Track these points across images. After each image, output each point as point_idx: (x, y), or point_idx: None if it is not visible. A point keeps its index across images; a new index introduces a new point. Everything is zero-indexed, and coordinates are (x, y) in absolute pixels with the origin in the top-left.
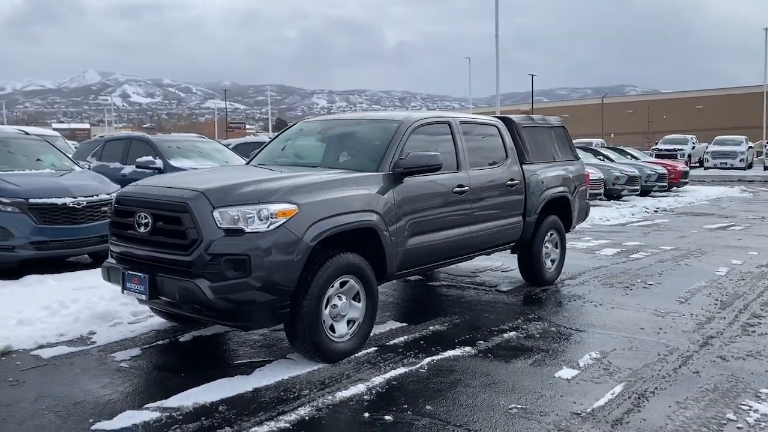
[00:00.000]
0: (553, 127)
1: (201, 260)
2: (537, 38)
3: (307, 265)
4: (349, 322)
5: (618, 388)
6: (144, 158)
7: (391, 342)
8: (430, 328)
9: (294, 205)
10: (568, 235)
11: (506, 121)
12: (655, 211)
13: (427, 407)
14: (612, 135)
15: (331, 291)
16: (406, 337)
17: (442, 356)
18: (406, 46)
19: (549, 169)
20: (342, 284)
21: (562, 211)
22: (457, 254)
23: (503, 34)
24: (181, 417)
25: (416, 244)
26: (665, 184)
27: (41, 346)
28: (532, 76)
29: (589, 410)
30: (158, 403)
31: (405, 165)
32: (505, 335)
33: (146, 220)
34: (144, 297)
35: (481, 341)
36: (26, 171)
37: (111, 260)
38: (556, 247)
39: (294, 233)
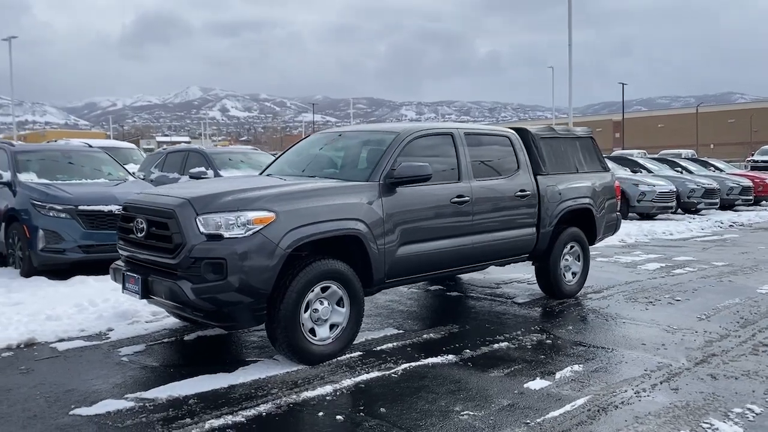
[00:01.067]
0: (579, 138)
1: (185, 263)
2: (636, 45)
3: (285, 270)
4: (332, 326)
5: (581, 401)
6: (196, 169)
7: (379, 348)
8: (425, 336)
9: (272, 213)
10: (613, 249)
11: (522, 132)
12: (730, 225)
13: (381, 410)
14: (712, 146)
15: (311, 295)
16: (396, 343)
17: (421, 363)
18: (497, 56)
19: (569, 181)
20: (324, 289)
21: (585, 224)
22: (458, 264)
23: (600, 43)
24: (152, 407)
25: (408, 253)
26: (750, 197)
27: (61, 340)
28: (623, 84)
29: (539, 420)
30: (137, 394)
31: (395, 175)
32: (496, 345)
33: (142, 225)
34: (138, 296)
35: (468, 350)
36: (82, 180)
37: (119, 263)
38: (578, 260)
39: (270, 239)
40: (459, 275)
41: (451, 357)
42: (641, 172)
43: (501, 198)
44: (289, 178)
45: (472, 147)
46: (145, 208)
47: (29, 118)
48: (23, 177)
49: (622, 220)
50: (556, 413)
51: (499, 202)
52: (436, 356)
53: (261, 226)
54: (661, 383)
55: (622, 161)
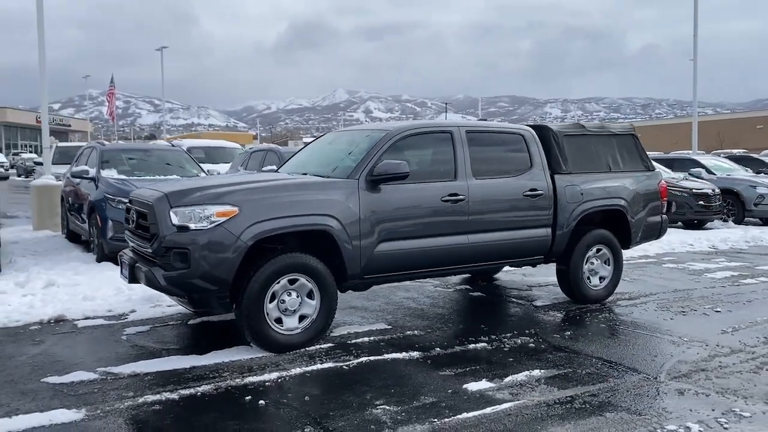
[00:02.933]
0: (615, 135)
1: (159, 251)
2: None
3: (248, 262)
4: (301, 317)
5: (505, 406)
6: (269, 167)
7: (354, 341)
8: (408, 332)
9: (235, 208)
10: (695, 254)
11: (543, 130)
12: None
13: (305, 398)
14: None
15: (277, 287)
16: (375, 338)
17: (381, 357)
18: (649, 50)
19: (597, 180)
20: (292, 281)
21: (617, 226)
22: (453, 263)
23: None
24: (111, 380)
25: (389, 250)
26: None
27: (87, 318)
28: None
29: (446, 420)
30: (107, 368)
31: (375, 173)
32: (472, 346)
33: (134, 217)
34: (127, 281)
35: (439, 348)
36: (156, 177)
37: (126, 251)
38: (607, 264)
39: (231, 232)
40: (495, 275)
41: (415, 354)
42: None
43: (505, 197)
44: (292, 175)
45: (474, 145)
46: (136, 201)
47: (195, 121)
48: (105, 173)
49: (739, 225)
50: (469, 414)
51: (502, 202)
52: (401, 352)
53: (223, 219)
54: (611, 395)
55: (744, 161)
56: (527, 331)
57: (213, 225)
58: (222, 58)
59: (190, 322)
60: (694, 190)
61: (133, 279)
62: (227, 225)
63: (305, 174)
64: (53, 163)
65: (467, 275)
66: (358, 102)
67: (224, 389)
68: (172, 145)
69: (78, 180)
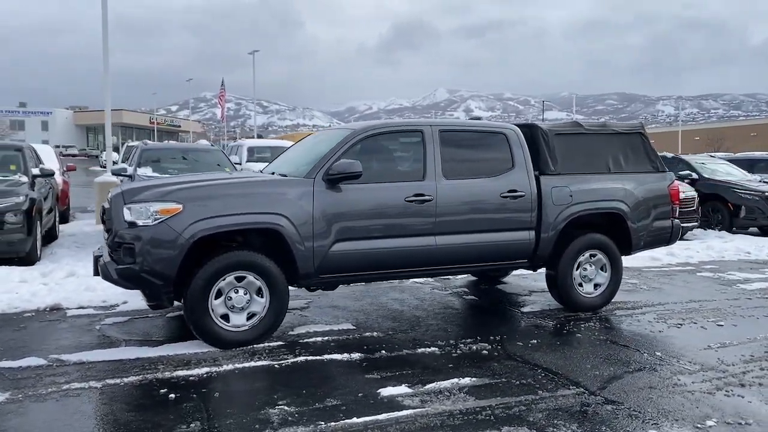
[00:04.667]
0: (618, 134)
1: (113, 246)
2: None
3: (191, 258)
4: (250, 315)
5: (408, 413)
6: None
7: (306, 340)
8: (368, 334)
9: (179, 205)
10: (744, 263)
11: (531, 128)
12: None
13: (215, 394)
14: None
15: (222, 284)
16: (330, 338)
17: (320, 358)
18: None
19: (591, 181)
20: (239, 279)
21: (616, 230)
22: (421, 265)
23: None
24: (55, 366)
25: (346, 250)
26: None
27: (80, 307)
28: None
29: (337, 423)
30: (58, 356)
31: (331, 172)
32: (421, 350)
33: (103, 213)
34: (92, 273)
35: (385, 351)
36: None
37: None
38: (603, 270)
39: (174, 229)
40: (503, 279)
41: (357, 356)
42: None
43: (479, 198)
44: (253, 174)
45: (447, 145)
46: (108, 198)
47: (300, 122)
48: (140, 171)
49: None
50: (360, 420)
51: (476, 203)
52: (344, 354)
53: (166, 217)
54: (526, 409)
55: None
56: (492, 338)
57: (156, 222)
58: (326, 60)
59: (168, 315)
60: (766, 194)
61: (96, 272)
62: (170, 222)
63: (272, 173)
64: (123, 161)
65: (473, 278)
66: (459, 101)
67: (148, 381)
68: (211, 145)
69: (120, 178)
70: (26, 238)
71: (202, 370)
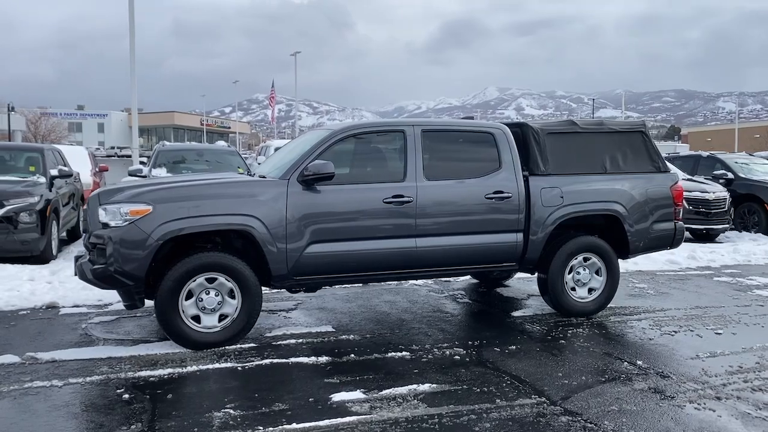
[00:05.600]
0: (617, 132)
1: (89, 246)
2: None
3: (166, 259)
4: (222, 316)
5: (352, 419)
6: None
7: (280, 342)
8: (344, 337)
9: (149, 206)
10: (760, 268)
11: (521, 127)
12: None
13: (168, 396)
14: None
15: (193, 285)
16: (304, 340)
17: (286, 361)
18: None
19: (584, 182)
20: (210, 280)
21: (612, 232)
22: (400, 267)
23: None
24: (27, 365)
25: (321, 252)
26: None
27: (75, 306)
28: None
29: (274, 428)
30: (33, 354)
31: (305, 173)
32: (391, 354)
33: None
34: (73, 274)
35: (354, 355)
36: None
37: None
38: (598, 274)
39: (143, 230)
40: (505, 282)
41: (324, 359)
42: None
43: (461, 200)
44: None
45: (431, 145)
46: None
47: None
48: (155, 171)
49: None
50: (299, 426)
51: (458, 205)
52: (312, 357)
53: (136, 218)
54: (477, 418)
55: None
56: (470, 343)
57: (127, 223)
58: (376, 61)
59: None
60: None
61: (76, 271)
62: (139, 223)
63: (255, 174)
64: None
65: (474, 281)
66: (509, 99)
67: (109, 381)
68: (228, 146)
69: (136, 178)
70: (40, 238)
71: (166, 371)
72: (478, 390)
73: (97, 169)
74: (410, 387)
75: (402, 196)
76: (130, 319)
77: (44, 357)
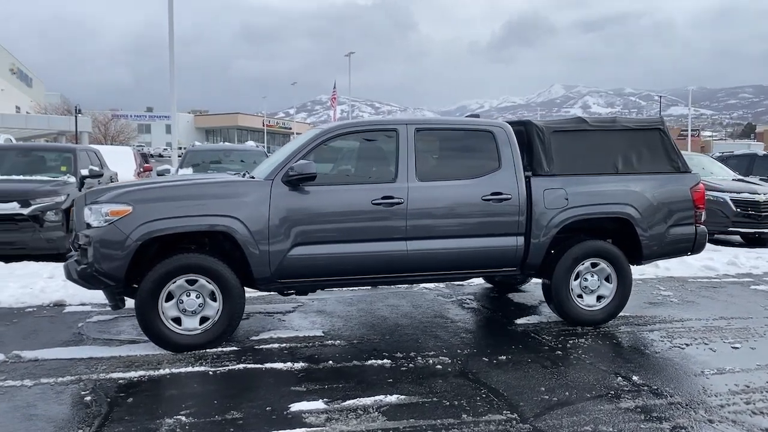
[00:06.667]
0: (631, 130)
1: (74, 246)
2: None
3: (140, 260)
4: (203, 318)
5: (302, 431)
6: None
7: (263, 346)
8: (330, 342)
9: (129, 207)
10: None
11: (525, 125)
12: None
13: (129, 400)
14: None
15: (173, 287)
16: (288, 345)
17: (260, 366)
18: None
19: (592, 183)
20: (191, 282)
21: (625, 237)
22: (392, 271)
23: None
24: (10, 363)
25: (306, 255)
26: None
27: (81, 304)
28: None
29: None
30: (18, 352)
31: (291, 174)
32: (370, 362)
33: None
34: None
35: (332, 362)
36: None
37: None
38: (608, 281)
39: (122, 231)
40: (521, 287)
41: (299, 365)
42: None
43: (456, 201)
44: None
45: (424, 145)
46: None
47: None
48: (182, 171)
49: None
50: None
51: (453, 207)
52: (289, 363)
53: (116, 218)
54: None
55: None
56: (459, 352)
57: (107, 223)
58: (439, 60)
59: None
60: None
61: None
62: (119, 224)
63: (244, 174)
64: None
65: (488, 285)
66: (576, 97)
67: (79, 381)
68: (256, 146)
69: None
70: (65, 236)
71: (138, 374)
72: (448, 403)
73: (141, 169)
74: (377, 398)
75: (392, 198)
76: (127, 318)
77: (28, 356)
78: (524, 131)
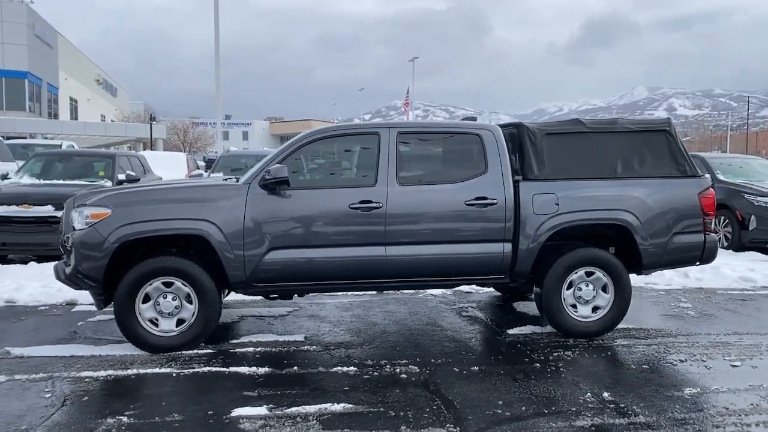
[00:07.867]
0: (633, 132)
1: (62, 248)
2: None
3: (118, 263)
4: (180, 321)
5: None
6: None
7: (239, 350)
8: (305, 347)
9: (108, 210)
10: None
11: (517, 128)
12: None
13: (84, 399)
14: None
15: (149, 289)
16: (262, 349)
17: (223, 370)
18: None
19: (587, 188)
20: (168, 284)
21: (624, 244)
22: (370, 276)
23: None
24: None
25: (281, 259)
26: None
27: (91, 303)
28: None
29: None
30: (9, 349)
31: (267, 177)
32: (335, 369)
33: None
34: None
35: (297, 368)
36: None
37: None
38: (605, 291)
39: (100, 233)
40: (529, 294)
41: (263, 370)
42: None
43: (438, 206)
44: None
45: (407, 149)
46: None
47: None
48: (213, 176)
49: None
50: None
51: (433, 212)
52: (253, 367)
53: (96, 221)
54: None
55: None
56: (432, 361)
57: (88, 226)
58: (515, 63)
59: None
60: None
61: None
62: (98, 226)
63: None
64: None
65: (496, 293)
66: (660, 99)
67: (50, 379)
68: None
69: None
70: None
71: (106, 373)
72: (393, 414)
73: (191, 175)
74: (323, 406)
75: (370, 202)
76: None
77: (15, 352)
78: (516, 134)
